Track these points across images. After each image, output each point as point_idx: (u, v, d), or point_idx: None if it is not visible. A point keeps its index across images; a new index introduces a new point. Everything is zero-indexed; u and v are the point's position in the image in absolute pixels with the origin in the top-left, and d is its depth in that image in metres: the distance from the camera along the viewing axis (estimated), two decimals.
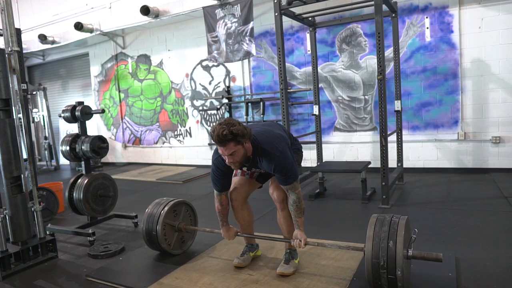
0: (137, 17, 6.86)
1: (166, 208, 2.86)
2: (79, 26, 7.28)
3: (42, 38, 7.94)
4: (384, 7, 4.07)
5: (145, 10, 6.57)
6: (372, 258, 2.03)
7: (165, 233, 2.86)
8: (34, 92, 8.75)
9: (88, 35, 7.61)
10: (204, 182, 6.10)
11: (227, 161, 2.22)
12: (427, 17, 5.33)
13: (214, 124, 2.43)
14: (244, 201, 2.64)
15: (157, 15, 6.72)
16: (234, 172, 2.59)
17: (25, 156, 3.10)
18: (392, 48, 4.98)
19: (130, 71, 8.22)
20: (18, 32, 3.41)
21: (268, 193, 2.61)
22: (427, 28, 5.33)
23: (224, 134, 2.09)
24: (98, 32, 7.53)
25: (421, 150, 5.54)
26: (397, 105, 4.85)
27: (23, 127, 3.13)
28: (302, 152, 2.71)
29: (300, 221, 2.38)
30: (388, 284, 2.01)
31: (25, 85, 3.37)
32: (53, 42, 8.13)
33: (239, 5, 5.79)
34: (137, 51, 8.06)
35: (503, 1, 4.89)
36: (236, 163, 2.24)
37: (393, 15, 4.71)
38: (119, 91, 8.44)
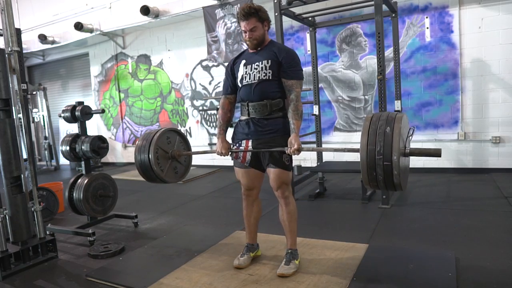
0: (137, 17, 6.87)
1: (158, 133, 2.75)
2: (79, 26, 7.29)
3: (42, 38, 7.96)
4: (384, 7, 4.07)
5: (145, 10, 6.58)
6: (368, 145, 1.93)
7: (158, 157, 2.73)
8: (34, 92, 8.75)
9: (88, 35, 7.62)
10: (204, 182, 6.10)
11: (247, 36, 2.42)
12: (427, 17, 5.33)
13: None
14: (256, 196, 2.69)
15: (157, 15, 6.73)
16: (234, 158, 2.59)
17: (25, 156, 3.10)
18: (392, 48, 4.98)
19: (130, 71, 8.22)
20: (18, 32, 3.40)
21: (269, 192, 2.62)
22: (427, 28, 5.34)
23: (249, 7, 2.39)
24: (98, 32, 7.54)
25: None
26: (397, 105, 4.85)
27: (23, 127, 3.13)
28: None
29: (297, 124, 2.35)
30: (383, 173, 1.90)
31: (25, 85, 3.36)
32: (53, 42, 8.15)
33: (239, 5, 5.79)
34: (137, 51, 8.07)
35: (503, 1, 4.89)
36: (254, 40, 2.42)
37: (393, 15, 4.72)
38: (119, 91, 8.45)
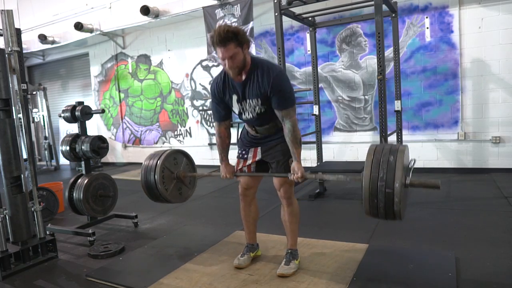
0: (137, 17, 6.86)
1: (166, 154, 2.80)
2: (79, 26, 7.29)
3: (42, 38, 7.95)
4: (384, 7, 4.07)
5: (145, 10, 6.58)
6: (372, 173, 1.97)
7: (164, 176, 2.77)
8: (34, 92, 8.74)
9: (88, 35, 7.62)
10: (204, 182, 6.09)
11: (227, 65, 2.18)
12: (427, 17, 5.33)
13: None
14: (253, 197, 2.69)
15: (157, 15, 6.73)
16: (235, 167, 2.60)
17: (25, 156, 3.10)
18: (392, 48, 4.97)
19: (130, 71, 8.22)
20: (18, 32, 3.40)
21: (269, 192, 2.62)
22: (427, 28, 5.33)
23: (226, 31, 2.09)
24: (98, 32, 7.54)
25: (421, 150, 5.53)
26: (397, 105, 4.85)
27: (23, 127, 3.13)
28: None
29: (297, 152, 2.34)
30: (385, 199, 1.95)
31: (25, 85, 3.36)
32: (53, 42, 8.14)
33: (239, 5, 5.79)
34: (137, 51, 8.06)
35: (503, 1, 4.89)
36: (235, 69, 2.20)
37: (393, 15, 4.71)
38: (119, 91, 8.45)
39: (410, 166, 2.10)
